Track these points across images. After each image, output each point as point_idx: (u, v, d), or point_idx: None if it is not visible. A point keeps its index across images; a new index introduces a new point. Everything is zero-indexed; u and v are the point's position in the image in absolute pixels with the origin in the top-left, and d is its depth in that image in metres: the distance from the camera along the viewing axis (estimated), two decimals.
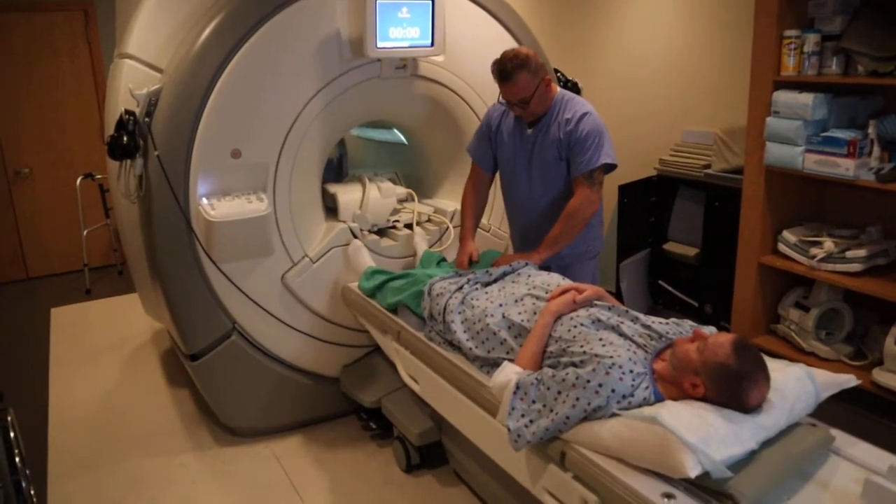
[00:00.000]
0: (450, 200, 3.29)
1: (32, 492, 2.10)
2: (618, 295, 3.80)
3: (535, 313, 2.04)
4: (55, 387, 3.61)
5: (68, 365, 3.86)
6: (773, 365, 1.67)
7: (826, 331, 2.90)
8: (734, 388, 1.56)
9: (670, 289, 3.86)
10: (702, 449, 1.40)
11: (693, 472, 1.39)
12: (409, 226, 3.17)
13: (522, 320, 2.04)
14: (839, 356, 2.82)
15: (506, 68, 2.43)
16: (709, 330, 1.87)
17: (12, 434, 2.15)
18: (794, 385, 1.66)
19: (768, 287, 3.04)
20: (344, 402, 3.10)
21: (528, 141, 2.63)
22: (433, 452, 2.72)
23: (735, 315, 3.13)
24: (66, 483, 2.79)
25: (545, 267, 2.56)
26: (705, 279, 3.62)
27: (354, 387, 2.96)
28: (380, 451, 2.93)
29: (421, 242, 3.03)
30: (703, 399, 1.60)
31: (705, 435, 1.44)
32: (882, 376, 2.59)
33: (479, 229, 2.96)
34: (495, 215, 3.27)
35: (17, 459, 2.07)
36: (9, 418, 2.20)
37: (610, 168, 2.54)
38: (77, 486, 2.77)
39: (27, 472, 2.10)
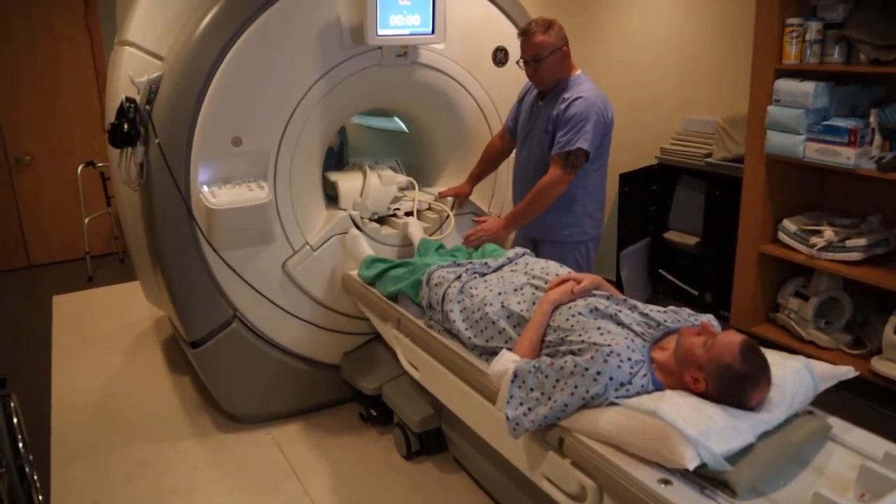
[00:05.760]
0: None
1: (36, 476, 2.12)
2: (618, 283, 3.81)
3: (534, 303, 2.05)
4: (57, 374, 3.63)
5: (70, 352, 3.87)
6: (772, 358, 1.67)
7: (825, 319, 2.91)
8: (736, 390, 1.57)
9: (670, 277, 3.87)
10: (702, 442, 1.41)
11: (691, 464, 1.40)
12: (410, 214, 3.17)
13: (521, 310, 2.05)
14: (838, 345, 2.83)
15: (529, 26, 2.64)
16: (706, 318, 1.88)
17: (15, 420, 2.17)
18: (792, 379, 1.66)
19: (768, 276, 3.05)
20: (344, 390, 3.12)
21: (536, 112, 2.76)
22: (433, 439, 2.73)
23: (735, 304, 3.14)
24: (68, 468, 2.81)
25: (531, 241, 2.70)
26: (705, 268, 3.62)
27: (355, 374, 2.97)
28: (380, 437, 2.94)
29: (415, 231, 3.03)
30: (703, 394, 1.60)
31: (705, 428, 1.45)
32: (881, 365, 2.60)
33: (475, 220, 3.02)
34: (496, 203, 3.28)
35: (20, 445, 2.09)
36: (12, 404, 2.22)
37: (587, 155, 2.60)
38: (79, 471, 2.79)
39: (30, 457, 2.12)
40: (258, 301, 2.86)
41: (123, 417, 3.18)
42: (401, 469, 2.74)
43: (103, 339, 4.02)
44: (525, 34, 2.62)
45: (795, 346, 2.86)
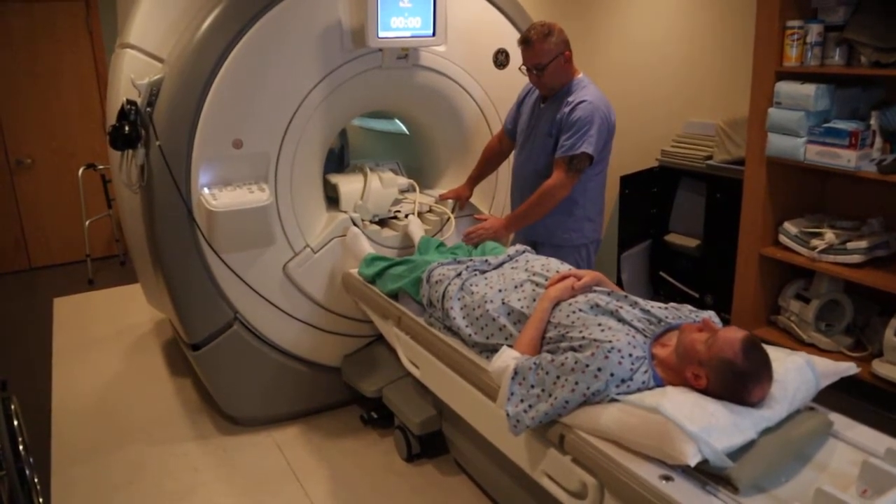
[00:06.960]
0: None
1: (36, 479, 2.11)
2: (619, 286, 3.80)
3: (534, 300, 2.04)
4: (58, 376, 3.63)
5: (71, 354, 3.87)
6: (773, 354, 1.67)
7: (826, 322, 2.91)
8: (738, 386, 1.56)
9: (671, 280, 3.86)
10: (703, 438, 1.41)
11: (693, 460, 1.40)
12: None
13: (522, 307, 2.05)
14: (839, 347, 2.83)
15: (529, 34, 2.60)
16: (707, 314, 1.88)
17: (16, 422, 2.16)
18: (794, 375, 1.66)
19: (769, 278, 3.04)
20: (345, 392, 3.11)
21: (538, 115, 2.76)
22: (434, 441, 2.73)
23: (736, 306, 3.13)
24: (69, 470, 2.81)
25: (531, 244, 2.70)
26: (706, 270, 3.61)
27: (356, 376, 2.97)
28: (381, 440, 2.94)
29: (416, 230, 3.04)
30: (704, 391, 1.60)
31: (706, 425, 1.44)
32: (882, 367, 2.60)
33: (477, 217, 3.05)
34: (496, 205, 3.28)
35: (20, 447, 2.08)
36: (12, 407, 2.22)
37: (591, 159, 2.60)
38: (80, 473, 2.79)
39: (31, 459, 2.11)
40: (259, 303, 2.85)
41: (124, 420, 3.18)
42: (401, 472, 2.73)
43: (104, 341, 4.02)
44: (526, 42, 2.60)
45: (796, 348, 2.83)
